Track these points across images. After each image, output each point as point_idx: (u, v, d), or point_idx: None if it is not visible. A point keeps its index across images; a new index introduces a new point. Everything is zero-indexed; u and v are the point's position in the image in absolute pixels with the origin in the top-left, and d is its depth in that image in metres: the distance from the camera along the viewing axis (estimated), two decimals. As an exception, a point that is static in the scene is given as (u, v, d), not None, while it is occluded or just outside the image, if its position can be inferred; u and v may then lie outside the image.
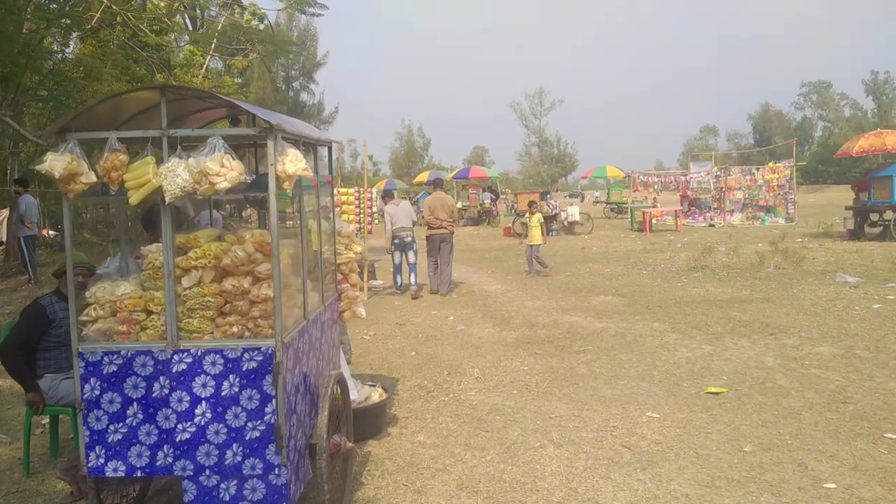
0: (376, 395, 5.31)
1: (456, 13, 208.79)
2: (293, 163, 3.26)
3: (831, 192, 61.68)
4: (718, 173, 26.73)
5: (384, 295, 12.18)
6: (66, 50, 21.21)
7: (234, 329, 3.41)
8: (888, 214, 16.82)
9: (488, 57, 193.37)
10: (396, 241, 11.70)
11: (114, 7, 13.91)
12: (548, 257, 15.77)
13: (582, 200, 62.44)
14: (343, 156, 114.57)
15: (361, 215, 11.23)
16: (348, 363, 5.62)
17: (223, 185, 3.19)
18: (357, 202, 11.21)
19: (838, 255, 14.04)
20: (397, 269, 11.98)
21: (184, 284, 3.41)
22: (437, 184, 13.29)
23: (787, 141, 41.70)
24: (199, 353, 3.33)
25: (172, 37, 34.35)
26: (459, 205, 32.80)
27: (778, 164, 25.48)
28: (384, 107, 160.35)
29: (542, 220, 13.78)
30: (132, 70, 22.27)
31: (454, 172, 35.63)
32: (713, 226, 24.70)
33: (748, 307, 9.31)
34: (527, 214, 14.35)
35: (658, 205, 27.62)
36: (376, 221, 11.36)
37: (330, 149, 4.74)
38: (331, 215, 5.06)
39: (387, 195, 13.68)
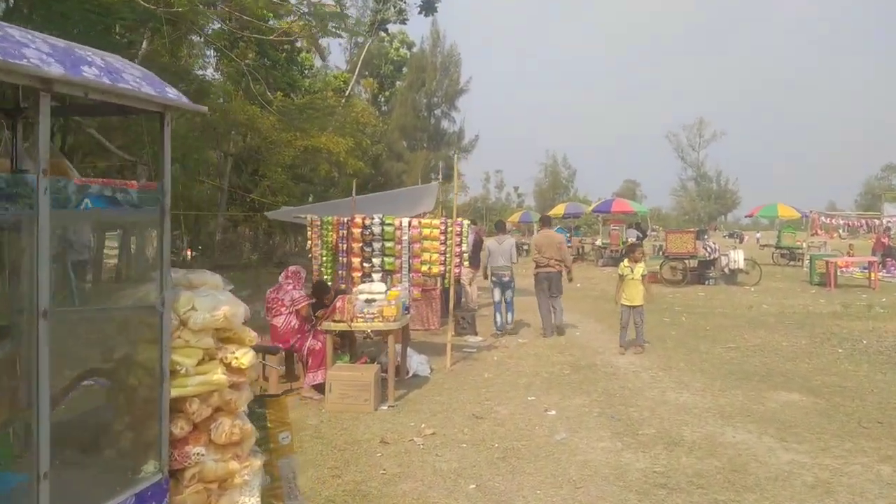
0: None
1: (610, 38, 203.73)
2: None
3: None
4: (929, 218, 21.46)
5: (481, 350, 9.47)
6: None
7: None
8: None
9: (642, 83, 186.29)
10: (494, 278, 11.33)
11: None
12: (705, 317, 12.34)
13: (741, 242, 56.32)
14: (489, 186, 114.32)
15: (448, 255, 8.59)
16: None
17: None
18: (443, 237, 8.59)
19: None
20: (497, 307, 11.40)
21: None
22: (545, 221, 13.18)
23: None
24: None
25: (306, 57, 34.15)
26: (599, 242, 29.48)
27: None
28: (530, 136, 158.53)
29: (646, 272, 10.02)
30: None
31: (594, 205, 32.23)
32: (923, 283, 19.66)
33: None
34: (625, 262, 9.90)
35: (853, 252, 22.80)
36: (466, 264, 8.73)
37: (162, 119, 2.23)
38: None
39: (498, 228, 12.64)
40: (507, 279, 11.25)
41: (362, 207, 9.86)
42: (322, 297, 7.93)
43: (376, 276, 8.59)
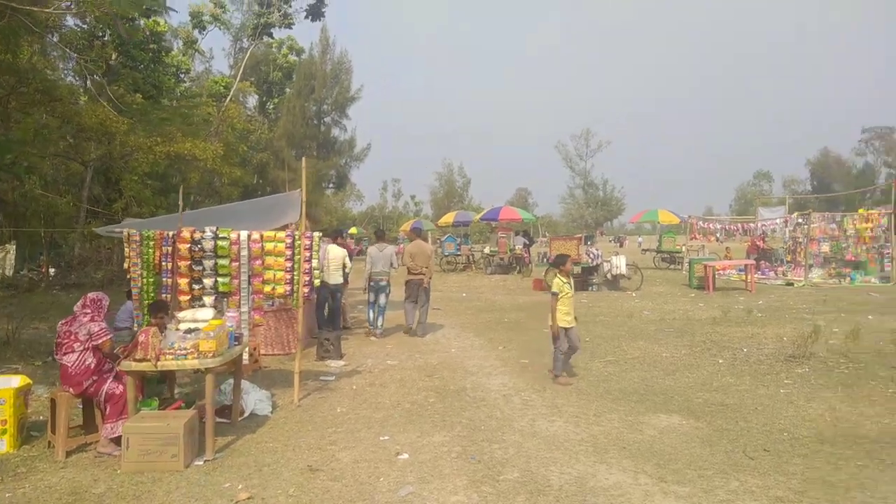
0: None
1: (504, 52, 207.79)
2: None
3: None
4: (799, 220, 22.20)
5: (341, 378, 8.34)
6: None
7: None
8: None
9: (536, 97, 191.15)
10: (372, 283, 11.89)
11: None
12: (586, 326, 11.80)
13: (621, 246, 57.94)
14: (385, 195, 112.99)
15: (296, 272, 7.44)
16: None
17: None
18: (290, 252, 7.44)
19: None
20: (371, 307, 12.04)
21: None
22: (416, 232, 14.28)
23: (869, 187, 37.02)
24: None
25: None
26: (487, 249, 29.02)
27: (872, 212, 20.92)
28: (428, 146, 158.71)
29: (567, 284, 8.33)
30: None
31: (482, 213, 31.78)
32: (791, 284, 20.21)
33: (935, 463, 5.14)
34: (558, 276, 8.35)
35: (730, 255, 23.29)
36: (317, 282, 7.63)
37: None
38: None
39: (378, 236, 13.13)
40: (384, 283, 11.90)
41: (208, 221, 8.50)
42: (163, 320, 6.55)
43: (208, 300, 7.33)
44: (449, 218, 33.74)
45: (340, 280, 11.78)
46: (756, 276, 21.46)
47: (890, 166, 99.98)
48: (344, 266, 11.89)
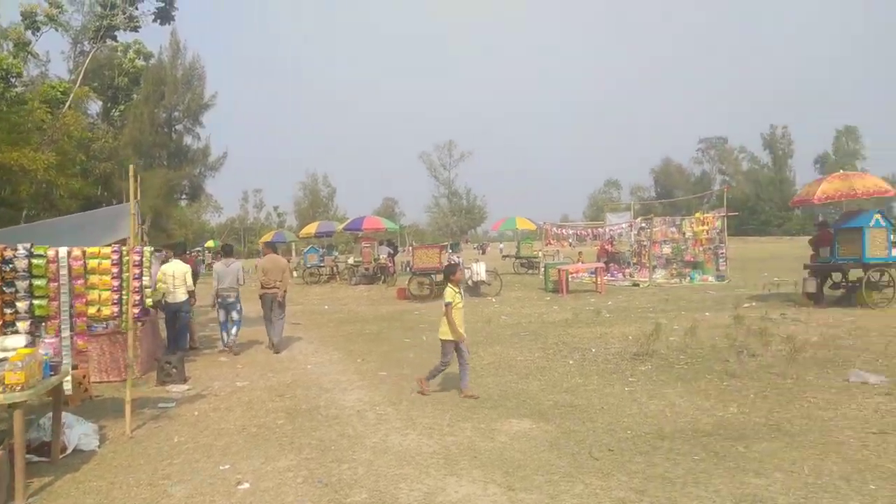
0: None
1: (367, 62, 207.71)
2: None
3: (733, 244, 61.31)
4: (643, 225, 23.63)
5: (183, 403, 7.72)
6: None
7: None
8: (854, 275, 13.83)
9: (403, 107, 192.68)
10: (220, 299, 11.69)
11: None
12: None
13: (483, 253, 59.39)
14: (247, 206, 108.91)
15: (124, 291, 6.81)
16: None
17: None
18: (117, 269, 6.80)
19: (822, 333, 10.60)
20: (223, 327, 11.84)
21: None
22: (270, 247, 14.45)
23: (705, 192, 40.13)
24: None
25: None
26: (351, 260, 28.66)
27: (707, 215, 22.65)
28: (294, 156, 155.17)
29: (458, 294, 8.06)
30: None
31: (346, 223, 31.36)
32: (637, 285, 21.44)
33: (761, 455, 5.45)
34: (450, 287, 8.06)
35: (582, 259, 24.32)
36: (149, 302, 7.05)
37: None
38: None
39: (225, 251, 12.61)
40: (232, 300, 11.71)
41: (25, 238, 7.56)
42: None
43: (23, 325, 6.54)
44: (311, 228, 32.99)
45: (184, 297, 11.03)
46: (606, 278, 22.59)
47: (724, 173, 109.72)
48: (188, 282, 11.16)
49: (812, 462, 5.08)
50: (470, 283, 20.00)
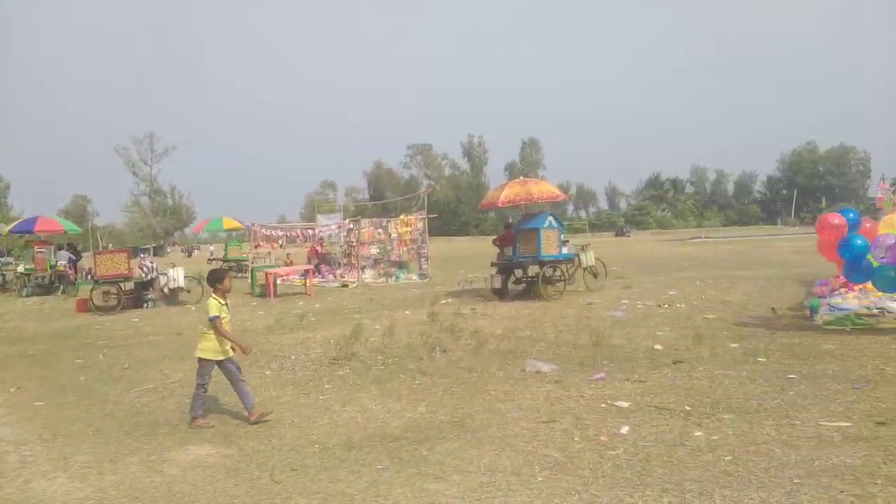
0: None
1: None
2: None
3: (437, 244, 65.84)
4: (351, 226, 23.84)
5: None
6: None
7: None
8: (533, 270, 15.32)
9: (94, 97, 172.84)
10: None
11: None
12: (129, 350, 10.49)
13: (189, 256, 55.81)
14: None
15: None
16: None
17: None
18: None
19: (504, 325, 11.47)
20: None
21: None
22: None
23: (412, 193, 42.00)
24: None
25: None
26: (21, 268, 24.52)
27: (410, 217, 23.60)
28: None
29: (225, 306, 6.94)
30: None
31: (12, 225, 26.81)
32: (346, 286, 21.55)
33: (442, 457, 5.47)
34: (215, 298, 6.89)
35: (291, 262, 23.71)
36: None
37: None
38: None
39: None
40: None
41: None
42: None
43: None
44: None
45: None
46: (317, 279, 22.39)
47: (429, 178, 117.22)
48: None
49: (488, 459, 5.22)
50: (166, 290, 18.28)
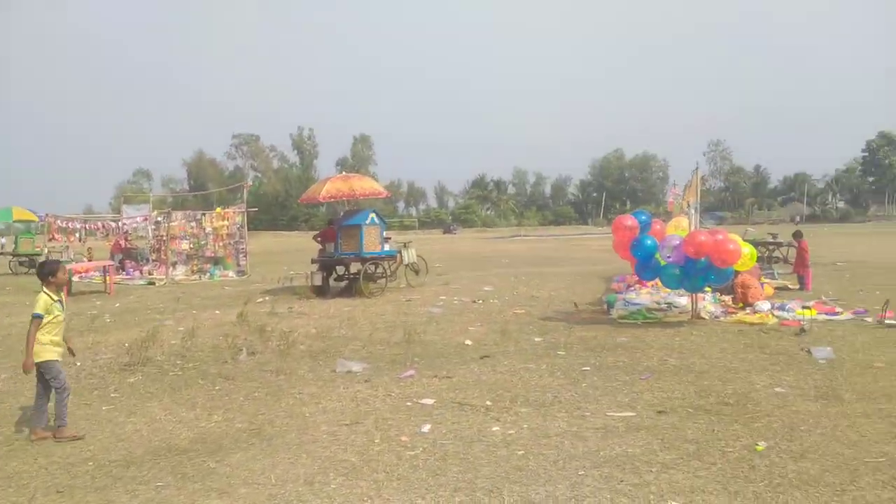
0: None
1: None
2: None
3: (264, 239, 63.77)
4: (159, 219, 22.19)
5: None
6: None
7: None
8: (355, 267, 15.13)
9: None
10: None
11: None
12: None
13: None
14: None
15: None
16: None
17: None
18: None
19: (320, 324, 11.16)
20: None
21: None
22: None
23: (235, 185, 40.18)
24: None
25: None
26: None
27: (227, 210, 22.45)
28: None
29: (58, 303, 6.01)
30: None
31: None
32: (153, 283, 20.03)
33: (232, 469, 5.10)
34: (46, 291, 5.92)
35: (92, 257, 21.64)
36: None
37: None
38: None
39: None
40: None
41: None
42: None
43: None
44: None
45: None
46: (121, 276, 20.65)
47: (256, 169, 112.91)
48: None
49: (282, 468, 4.94)
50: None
